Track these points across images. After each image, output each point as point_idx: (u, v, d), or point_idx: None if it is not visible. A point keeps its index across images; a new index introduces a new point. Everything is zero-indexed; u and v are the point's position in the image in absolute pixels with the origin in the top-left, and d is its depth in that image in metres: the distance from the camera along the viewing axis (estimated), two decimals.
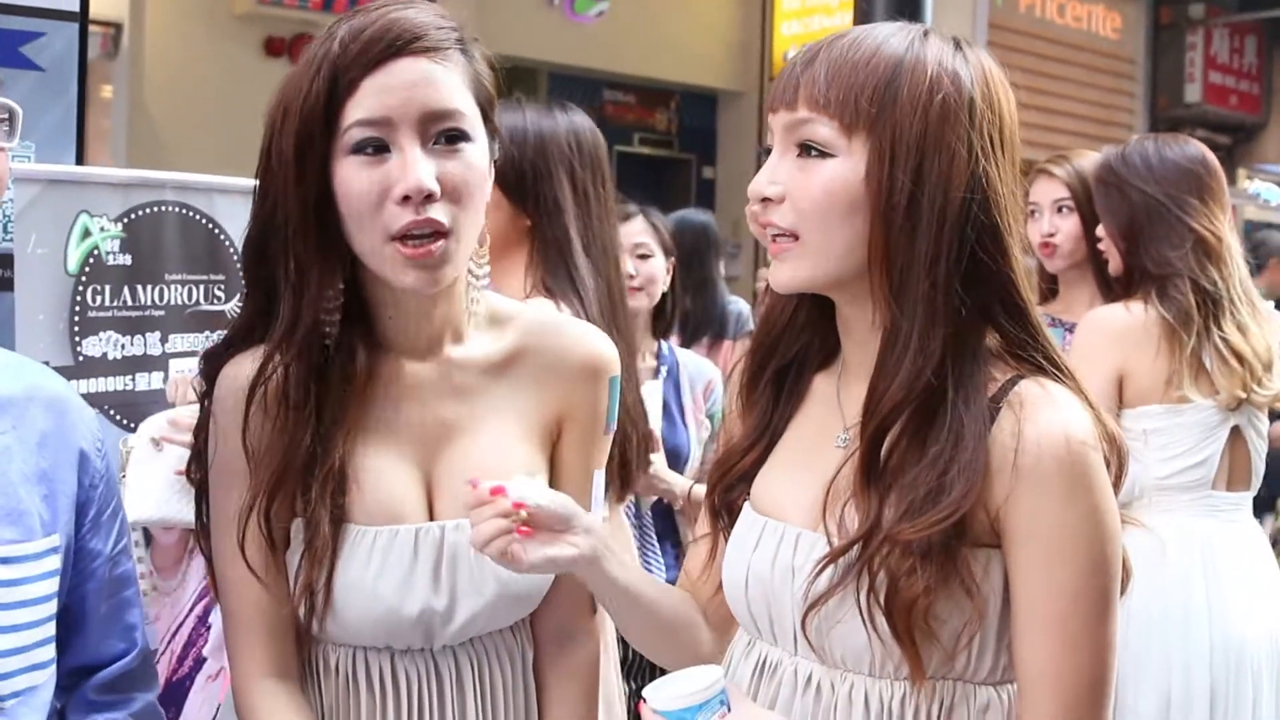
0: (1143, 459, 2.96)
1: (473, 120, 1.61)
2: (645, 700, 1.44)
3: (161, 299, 2.84)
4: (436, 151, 1.57)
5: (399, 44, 1.56)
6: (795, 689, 1.55)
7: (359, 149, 1.56)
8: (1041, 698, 1.45)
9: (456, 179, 1.58)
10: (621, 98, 12.66)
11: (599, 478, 1.78)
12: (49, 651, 1.50)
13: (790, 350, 1.65)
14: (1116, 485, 1.50)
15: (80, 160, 2.79)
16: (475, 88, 1.63)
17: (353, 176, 1.56)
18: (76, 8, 2.73)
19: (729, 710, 1.45)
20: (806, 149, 1.49)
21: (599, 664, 1.89)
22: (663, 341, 3.74)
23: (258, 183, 1.64)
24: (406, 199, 1.54)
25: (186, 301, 2.92)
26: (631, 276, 3.49)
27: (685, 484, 3.37)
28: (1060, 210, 3.54)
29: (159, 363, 2.86)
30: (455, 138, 1.59)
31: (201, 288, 2.96)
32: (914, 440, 1.46)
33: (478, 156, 1.61)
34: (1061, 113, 14.67)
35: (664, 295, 3.66)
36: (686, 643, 1.73)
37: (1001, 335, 1.52)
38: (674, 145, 13.00)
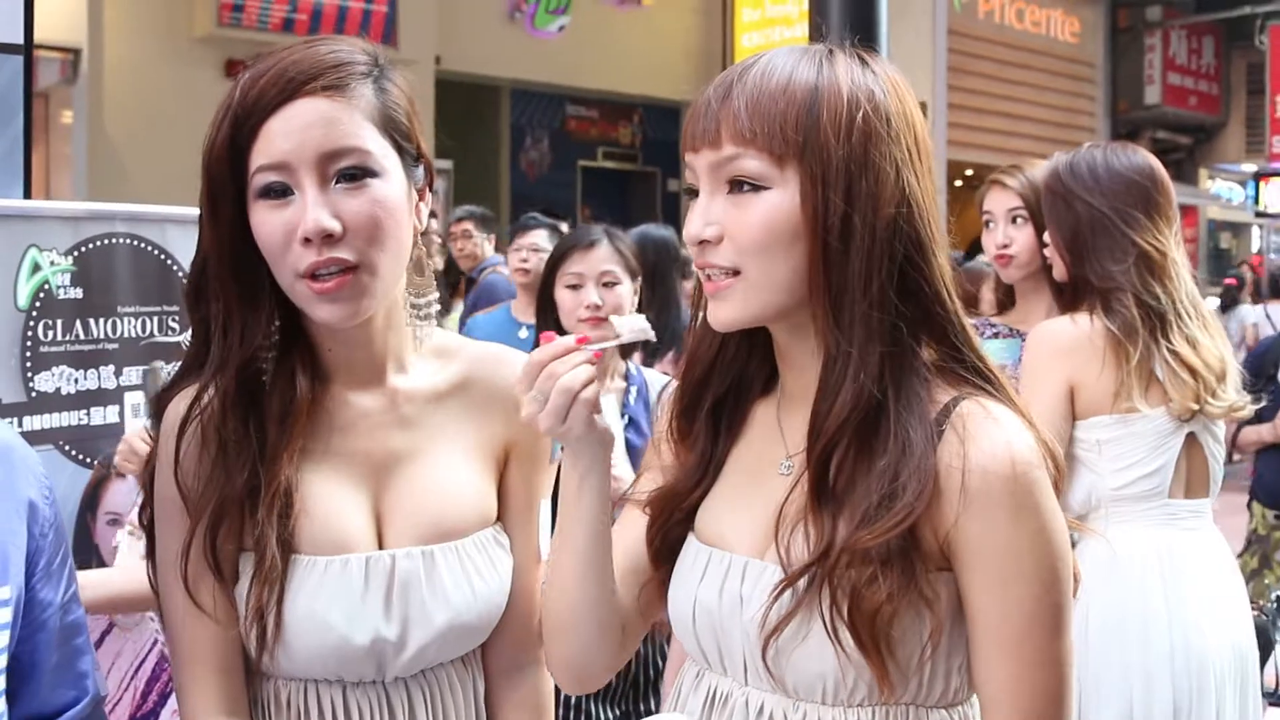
0: (1097, 469, 2.97)
1: (379, 154, 1.61)
2: None
3: (115, 332, 2.82)
4: (339, 190, 1.58)
5: (294, 86, 1.57)
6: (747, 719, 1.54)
7: (264, 194, 1.58)
8: (1003, 717, 1.46)
9: (360, 217, 1.58)
10: (584, 112, 12.70)
11: (545, 507, 1.77)
12: (0, 704, 1.48)
13: (724, 382, 1.65)
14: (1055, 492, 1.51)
15: (28, 193, 2.77)
16: (384, 120, 1.62)
17: (261, 220, 1.58)
18: (20, 40, 2.70)
19: None
20: (738, 185, 1.48)
21: (550, 695, 1.88)
22: (629, 362, 3.72)
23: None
24: (308, 240, 1.56)
25: (140, 334, 2.90)
26: (598, 306, 3.47)
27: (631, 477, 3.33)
28: (1015, 220, 3.55)
29: (113, 396, 2.84)
30: (357, 175, 1.59)
31: (155, 319, 2.94)
32: (860, 457, 1.47)
33: (387, 190, 1.61)
34: (1022, 117, 14.77)
35: None
36: (606, 624, 1.65)
37: (934, 350, 1.53)
38: (638, 159, 13.04)
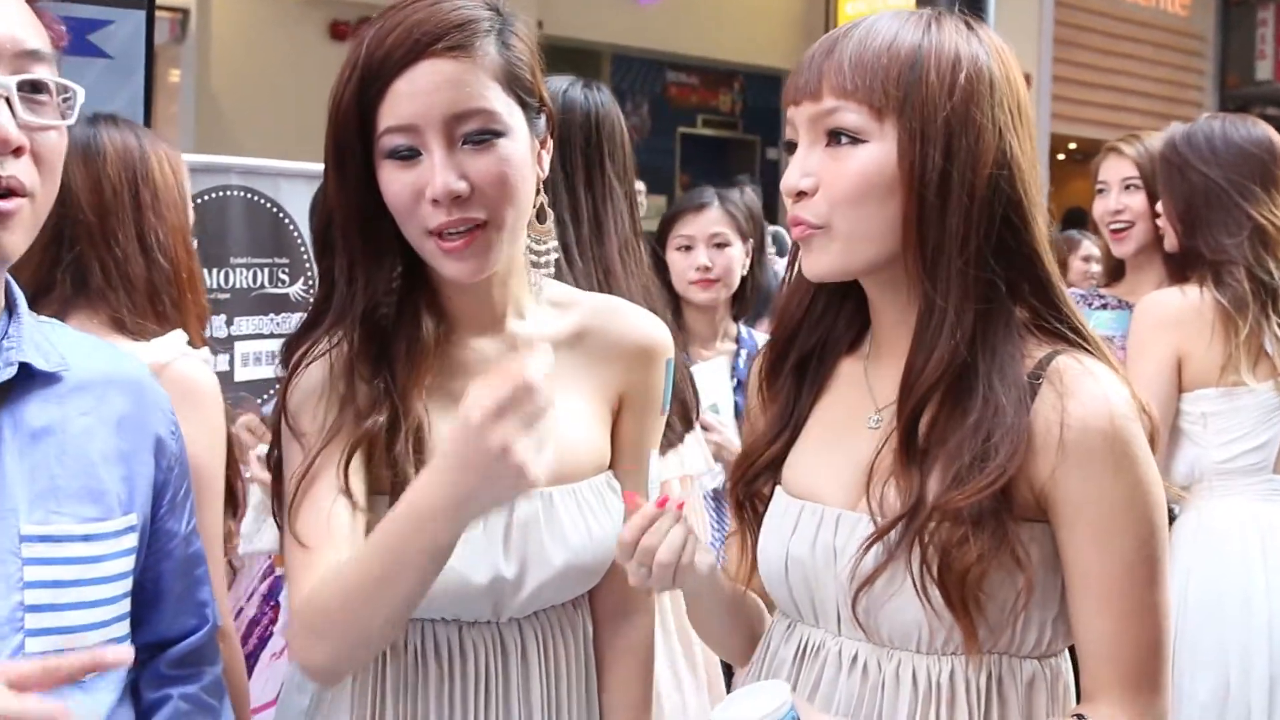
0: (1202, 443, 2.95)
1: (504, 113, 1.62)
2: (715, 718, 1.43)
3: (227, 282, 2.89)
4: (467, 151, 1.60)
5: (420, 47, 1.58)
6: (840, 669, 1.56)
7: (393, 154, 1.60)
8: (1103, 668, 1.48)
9: (488, 176, 1.60)
10: (684, 79, 12.65)
11: (654, 457, 1.80)
12: (124, 627, 1.53)
13: (810, 339, 1.67)
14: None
15: None
16: (507, 77, 1.64)
17: (389, 179, 1.60)
18: None
19: None
20: (836, 137, 1.50)
21: (654, 643, 1.91)
22: (740, 324, 3.73)
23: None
24: (436, 201, 1.58)
25: (252, 285, 2.96)
26: (708, 269, 3.47)
27: (737, 442, 3.35)
28: (1128, 188, 3.52)
29: (225, 345, 2.91)
30: (483, 136, 1.61)
31: (266, 271, 3.00)
32: (951, 414, 1.48)
33: (513, 148, 1.63)
34: (1129, 90, 14.50)
35: (743, 278, 3.62)
36: (756, 635, 1.76)
37: (1030, 310, 1.54)
38: (738, 126, 12.97)
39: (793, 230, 1.54)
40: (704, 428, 3.04)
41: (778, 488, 1.66)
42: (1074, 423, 1.44)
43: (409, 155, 1.59)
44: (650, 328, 1.85)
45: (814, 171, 1.50)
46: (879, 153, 1.47)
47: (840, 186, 1.48)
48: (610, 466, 1.81)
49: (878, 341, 1.62)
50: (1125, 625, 1.46)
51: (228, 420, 2.19)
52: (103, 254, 2.08)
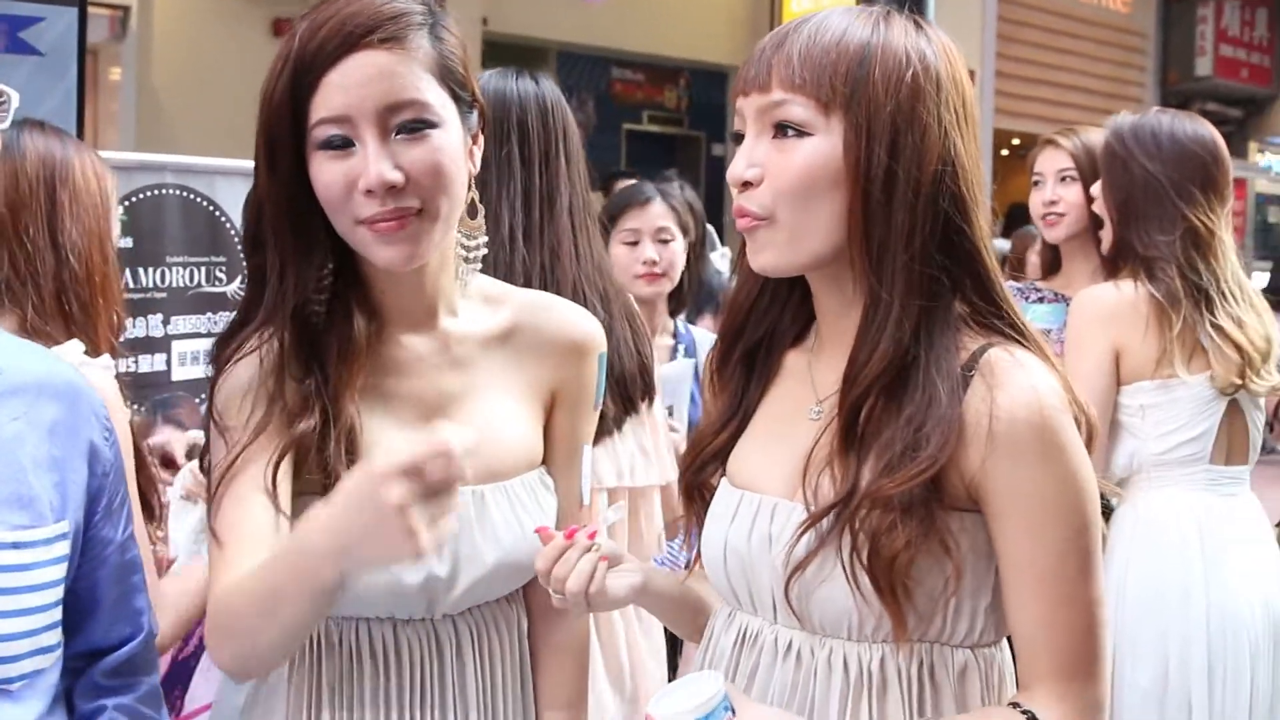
0: (1140, 434, 2.98)
1: (438, 105, 1.62)
2: (650, 712, 1.44)
3: (163, 281, 2.87)
4: (400, 141, 1.60)
5: (353, 39, 1.58)
6: (775, 656, 1.58)
7: (325, 145, 1.59)
8: (1037, 657, 1.49)
9: (422, 166, 1.60)
10: (630, 75, 12.65)
11: (587, 452, 1.80)
12: (56, 635, 1.51)
13: (758, 331, 1.68)
14: (1087, 449, 1.53)
15: None
16: (440, 70, 1.64)
17: (321, 170, 1.60)
18: None
19: (734, 714, 1.45)
20: (783, 129, 1.51)
21: (589, 638, 1.92)
22: (678, 320, 3.74)
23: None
24: (370, 192, 1.58)
25: (188, 284, 2.94)
26: (654, 262, 3.49)
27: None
28: (1064, 180, 3.55)
29: (161, 344, 2.89)
30: (417, 126, 1.61)
31: (203, 269, 2.98)
32: (888, 405, 1.50)
33: (446, 139, 1.63)
34: (1071, 86, 14.62)
35: (682, 274, 3.64)
36: (703, 623, 1.77)
37: (970, 305, 1.56)
38: (683, 122, 12.98)
39: (738, 221, 1.55)
40: (673, 429, 3.06)
41: (722, 478, 1.68)
42: (1002, 414, 1.45)
43: (341, 146, 1.58)
44: (583, 323, 1.86)
45: (760, 162, 1.52)
46: (824, 146, 1.48)
47: (785, 178, 1.50)
48: (544, 462, 1.82)
49: (821, 335, 1.64)
50: (1058, 615, 1.47)
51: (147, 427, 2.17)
52: (13, 247, 2.06)
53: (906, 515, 1.45)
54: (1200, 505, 2.98)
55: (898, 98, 1.47)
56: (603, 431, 2.47)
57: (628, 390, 2.51)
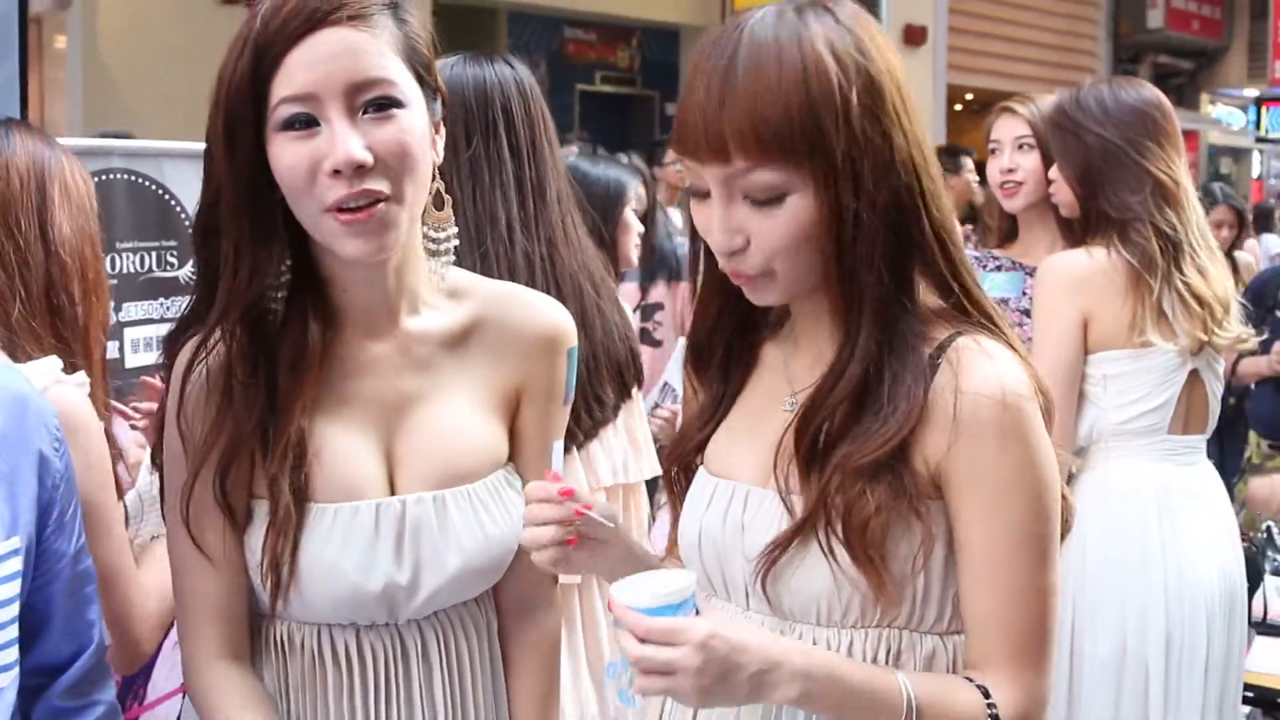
0: (1101, 404, 2.98)
1: (404, 85, 1.59)
2: (616, 597, 1.43)
3: (114, 268, 2.82)
4: (367, 121, 1.55)
5: (318, 16, 1.54)
6: None
7: (288, 125, 1.54)
8: (988, 641, 1.51)
9: (390, 146, 1.55)
10: (582, 35, 12.59)
11: (558, 447, 1.77)
12: (12, 654, 1.48)
13: (731, 324, 1.68)
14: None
15: None
16: (406, 51, 1.60)
17: (283, 152, 1.55)
18: None
19: (698, 613, 1.45)
20: (757, 198, 1.48)
21: (560, 637, 1.91)
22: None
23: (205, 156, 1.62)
24: (337, 172, 1.53)
25: (139, 269, 2.90)
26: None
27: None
28: (1021, 147, 3.54)
29: (114, 331, 2.84)
30: (384, 105, 1.56)
31: (154, 254, 2.94)
32: (851, 413, 1.51)
33: (413, 120, 1.59)
34: (1024, 41, 14.66)
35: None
36: None
37: (940, 293, 1.56)
38: (636, 82, 12.95)
39: (733, 278, 1.55)
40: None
41: (700, 467, 1.69)
42: (966, 398, 1.46)
43: (305, 125, 1.54)
44: (552, 315, 1.81)
45: (742, 228, 1.49)
46: (802, 202, 1.47)
47: (775, 241, 1.48)
48: (511, 459, 1.79)
49: (795, 329, 1.65)
50: (1010, 601, 1.49)
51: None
52: (1, 240, 2.03)
53: (875, 481, 1.46)
54: (1160, 475, 2.99)
55: (850, 128, 1.45)
56: (604, 421, 2.45)
57: (622, 376, 2.49)
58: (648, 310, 5.84)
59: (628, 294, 4.92)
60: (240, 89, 1.54)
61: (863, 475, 1.47)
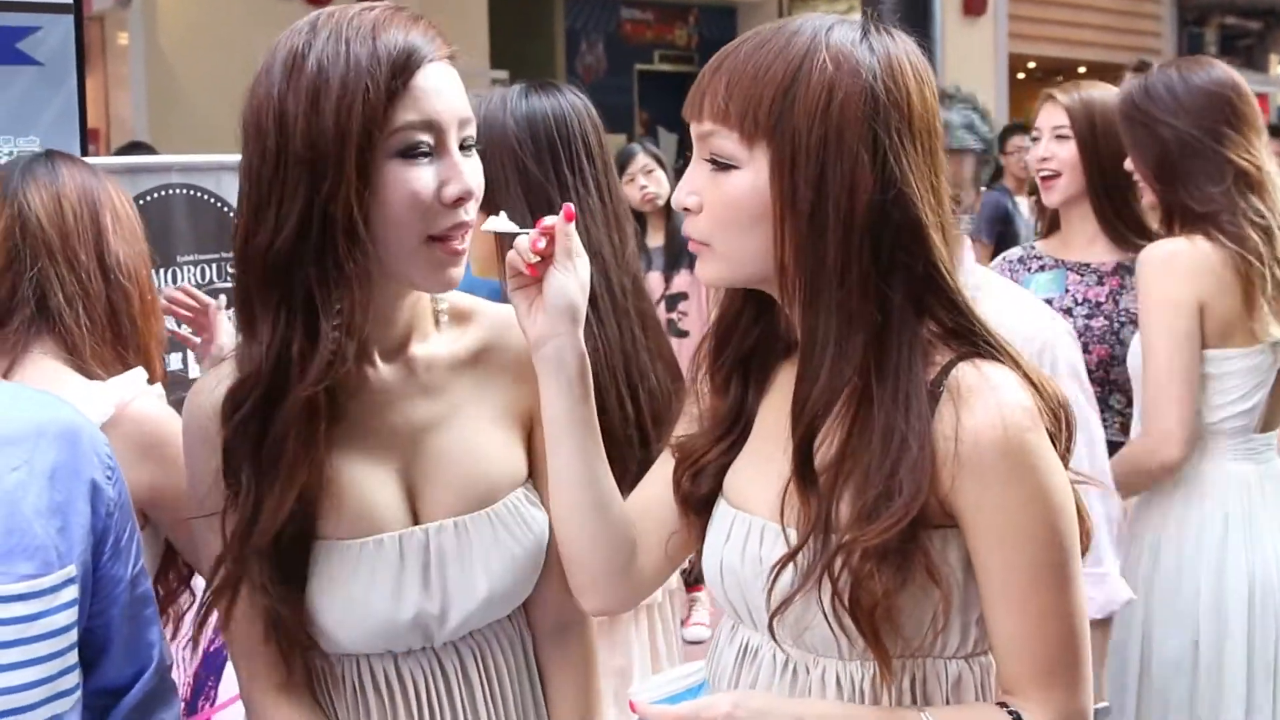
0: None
1: None
2: (636, 698, 1.48)
3: (175, 281, 2.89)
4: (464, 156, 1.60)
5: (433, 47, 1.57)
6: (774, 672, 1.58)
7: (407, 152, 1.54)
8: (1016, 665, 1.50)
9: (478, 183, 1.61)
10: (639, 15, 12.57)
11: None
12: (74, 679, 1.53)
13: (745, 344, 1.67)
14: (1067, 455, 1.53)
15: (84, 150, 2.83)
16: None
17: (402, 178, 1.54)
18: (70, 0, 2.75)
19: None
20: (714, 160, 1.51)
21: (595, 652, 1.92)
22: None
23: (250, 188, 1.57)
24: (459, 201, 1.57)
25: (200, 281, 2.97)
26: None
27: None
28: (1057, 137, 3.39)
29: (176, 344, 2.91)
30: (474, 143, 1.62)
31: (214, 266, 3.01)
32: (848, 440, 1.49)
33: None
34: (1087, 6, 14.45)
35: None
36: (618, 543, 1.72)
37: (938, 324, 1.53)
38: (695, 60, 12.90)
39: (690, 246, 1.57)
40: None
41: (721, 497, 1.67)
42: (967, 436, 1.44)
43: (427, 153, 1.56)
44: None
45: (698, 190, 1.52)
46: (749, 180, 1.47)
47: (715, 211, 1.50)
48: (530, 477, 1.80)
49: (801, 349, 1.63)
50: (1033, 627, 1.48)
51: None
52: (62, 270, 2.08)
53: (883, 563, 1.44)
54: (1242, 475, 2.89)
55: (825, 126, 1.43)
56: (653, 459, 2.42)
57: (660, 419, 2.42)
58: (672, 300, 5.85)
59: (651, 283, 4.92)
60: (374, 109, 1.52)
61: (871, 555, 1.43)
